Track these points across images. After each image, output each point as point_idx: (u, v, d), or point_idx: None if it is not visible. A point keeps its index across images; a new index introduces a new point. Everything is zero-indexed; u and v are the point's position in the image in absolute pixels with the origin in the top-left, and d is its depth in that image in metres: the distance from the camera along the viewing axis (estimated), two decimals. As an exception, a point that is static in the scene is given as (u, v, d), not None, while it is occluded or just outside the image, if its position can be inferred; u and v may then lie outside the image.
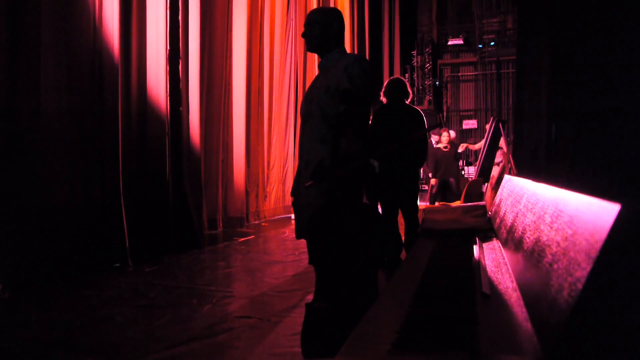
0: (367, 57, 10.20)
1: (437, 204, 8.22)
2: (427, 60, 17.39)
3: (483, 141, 7.85)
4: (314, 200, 1.96)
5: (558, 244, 0.78)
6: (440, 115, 17.13)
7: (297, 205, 2.13)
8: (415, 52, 17.39)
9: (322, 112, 1.99)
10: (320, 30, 2.09)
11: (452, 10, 17.71)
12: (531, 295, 0.84)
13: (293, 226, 7.29)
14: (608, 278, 0.58)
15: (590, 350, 0.57)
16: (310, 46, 2.13)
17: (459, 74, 17.74)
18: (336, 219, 1.91)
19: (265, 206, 7.62)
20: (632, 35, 2.16)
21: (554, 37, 3.48)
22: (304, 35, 2.14)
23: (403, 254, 3.72)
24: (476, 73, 17.30)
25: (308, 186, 1.85)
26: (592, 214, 0.67)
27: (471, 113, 17.44)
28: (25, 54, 3.41)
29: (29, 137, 3.42)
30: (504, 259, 1.30)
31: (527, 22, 4.98)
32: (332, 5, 9.47)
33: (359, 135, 1.90)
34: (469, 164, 13.20)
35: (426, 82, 17.30)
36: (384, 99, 3.90)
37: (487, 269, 1.19)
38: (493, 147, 7.89)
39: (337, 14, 2.16)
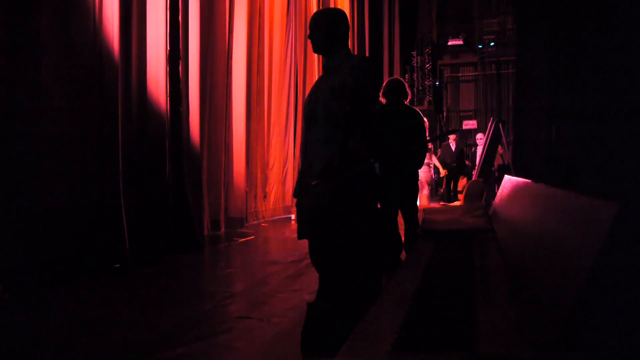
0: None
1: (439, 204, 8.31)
2: (427, 60, 17.38)
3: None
4: (319, 200, 1.96)
5: (557, 243, 0.78)
6: (440, 115, 17.12)
7: (300, 206, 2.13)
8: (415, 52, 17.38)
9: (326, 112, 1.99)
10: (327, 32, 2.10)
11: (452, 10, 17.70)
12: (531, 295, 0.84)
13: (293, 226, 7.29)
14: (607, 277, 0.58)
15: (589, 348, 0.57)
16: (317, 48, 2.15)
17: (459, 75, 17.74)
18: (342, 220, 1.91)
19: (265, 206, 7.62)
20: (632, 35, 2.16)
21: (554, 37, 3.49)
22: (310, 37, 2.15)
23: (403, 254, 3.72)
24: (476, 73, 17.30)
25: (314, 185, 1.85)
26: (592, 213, 0.67)
27: (471, 113, 17.43)
28: (25, 54, 3.41)
29: (29, 137, 3.42)
30: (503, 259, 1.30)
31: (527, 23, 4.98)
32: (332, 5, 9.46)
33: (365, 136, 1.91)
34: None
35: (426, 83, 17.29)
36: (382, 100, 3.90)
37: (487, 269, 1.19)
38: (493, 148, 7.91)
39: (342, 16, 2.17)
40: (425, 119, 6.92)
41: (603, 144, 2.40)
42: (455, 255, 1.49)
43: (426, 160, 7.35)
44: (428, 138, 6.46)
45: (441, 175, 9.13)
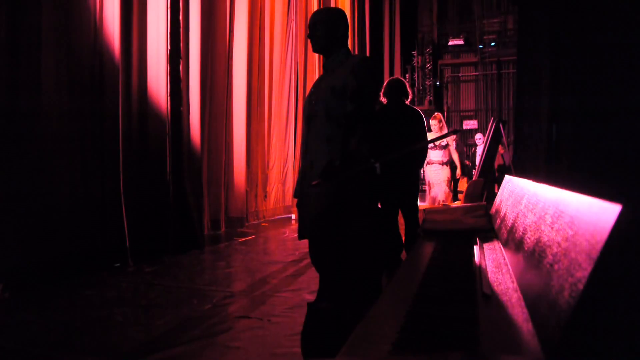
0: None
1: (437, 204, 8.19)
2: (427, 60, 17.37)
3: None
4: (320, 200, 1.95)
5: (559, 244, 0.78)
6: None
7: (301, 206, 2.13)
8: (415, 52, 17.37)
9: (327, 112, 1.99)
10: (326, 32, 2.10)
11: (453, 10, 17.70)
12: (532, 295, 0.84)
13: (293, 226, 7.28)
14: (609, 279, 0.58)
15: (591, 350, 0.57)
16: (316, 47, 2.14)
17: (460, 74, 17.73)
18: (342, 220, 1.91)
19: (265, 206, 7.62)
20: (632, 35, 2.16)
21: (555, 37, 3.48)
22: (309, 36, 2.14)
23: (403, 254, 3.72)
24: (477, 73, 17.28)
25: (314, 185, 1.85)
26: (593, 214, 0.67)
27: (472, 113, 17.42)
28: (26, 54, 3.41)
29: (29, 137, 3.42)
30: (504, 259, 1.30)
31: (528, 22, 4.98)
32: (333, 5, 9.45)
33: (366, 136, 1.91)
34: None
35: (427, 83, 17.28)
36: (383, 100, 3.90)
37: (488, 270, 1.19)
38: (494, 147, 7.91)
39: (342, 15, 2.17)
40: (442, 118, 6.75)
41: (603, 144, 2.39)
42: (455, 255, 1.49)
43: (445, 159, 7.05)
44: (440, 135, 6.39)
45: (457, 177, 8.49)
